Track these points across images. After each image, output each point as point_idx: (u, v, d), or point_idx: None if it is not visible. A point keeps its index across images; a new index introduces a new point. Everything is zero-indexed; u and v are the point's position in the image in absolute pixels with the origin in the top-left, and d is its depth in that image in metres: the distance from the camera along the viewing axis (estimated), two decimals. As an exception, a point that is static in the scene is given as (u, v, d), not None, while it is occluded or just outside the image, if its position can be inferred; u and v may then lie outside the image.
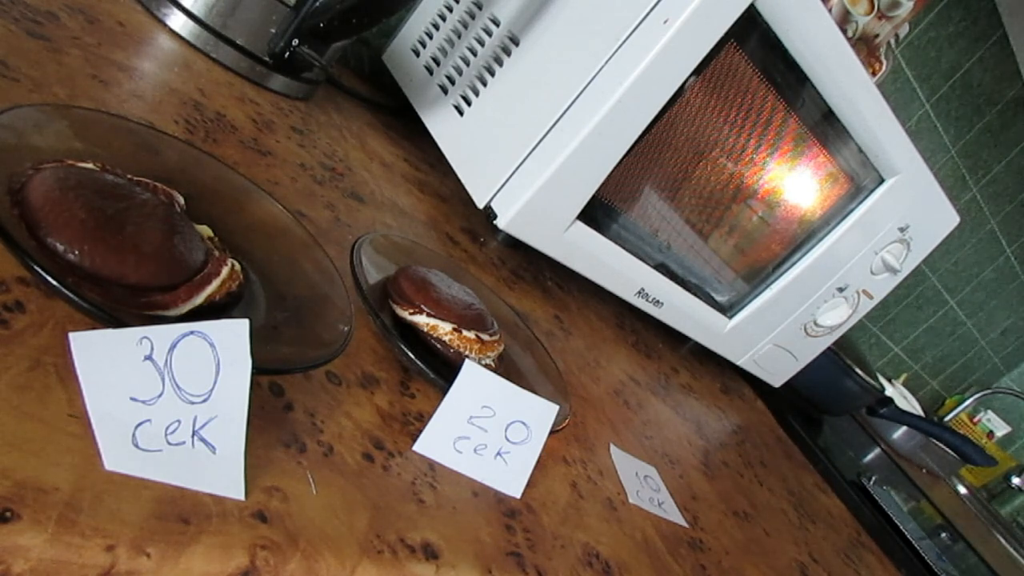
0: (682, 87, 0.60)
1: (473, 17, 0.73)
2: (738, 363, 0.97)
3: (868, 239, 0.88)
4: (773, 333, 0.94)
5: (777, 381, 1.04)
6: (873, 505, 1.01)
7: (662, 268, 0.79)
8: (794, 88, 0.68)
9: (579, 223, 0.67)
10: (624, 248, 0.73)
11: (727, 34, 0.59)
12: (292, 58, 0.64)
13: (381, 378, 0.43)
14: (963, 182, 1.62)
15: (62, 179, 0.33)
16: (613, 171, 0.63)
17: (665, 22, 0.56)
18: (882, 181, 0.83)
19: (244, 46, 0.63)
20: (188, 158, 0.42)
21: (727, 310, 0.90)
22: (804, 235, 0.86)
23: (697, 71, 0.60)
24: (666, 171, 0.70)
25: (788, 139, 0.74)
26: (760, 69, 0.65)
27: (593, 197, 0.64)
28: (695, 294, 0.84)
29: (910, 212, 0.88)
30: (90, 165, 0.35)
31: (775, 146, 0.74)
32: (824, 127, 0.74)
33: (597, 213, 0.68)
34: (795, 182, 0.80)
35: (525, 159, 0.62)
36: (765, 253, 0.87)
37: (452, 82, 0.73)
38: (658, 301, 0.80)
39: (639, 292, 0.77)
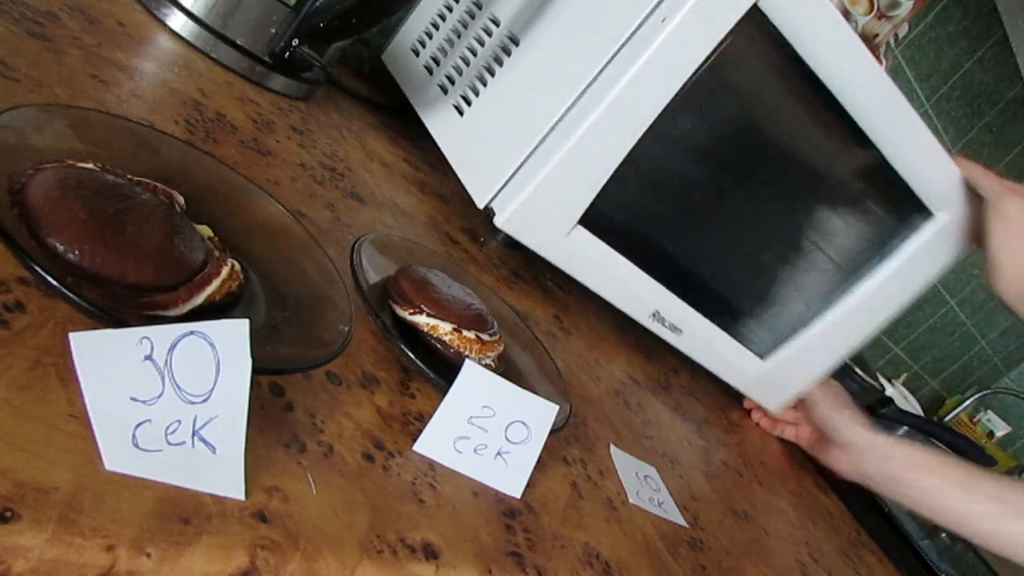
0: (685, 86, 0.60)
1: (473, 17, 0.73)
2: (770, 409, 0.91)
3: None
4: (814, 377, 0.86)
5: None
6: (873, 505, 1.01)
7: (677, 288, 0.73)
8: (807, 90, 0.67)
9: (580, 228, 0.65)
10: (632, 261, 0.70)
11: (727, 34, 0.59)
12: (292, 58, 0.64)
13: (381, 378, 0.43)
14: (963, 182, 1.61)
15: (62, 179, 0.33)
16: (612, 179, 0.61)
17: (663, 20, 0.56)
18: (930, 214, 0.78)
19: (244, 46, 0.63)
20: (188, 158, 0.42)
21: (762, 350, 0.82)
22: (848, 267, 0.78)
23: (698, 70, 0.60)
24: (672, 179, 0.68)
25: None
26: (772, 67, 0.64)
27: (596, 204, 0.63)
28: (723, 327, 0.77)
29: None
30: (90, 165, 0.35)
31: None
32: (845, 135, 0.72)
33: (601, 220, 0.66)
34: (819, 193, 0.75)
35: (526, 159, 0.61)
36: (807, 286, 0.79)
37: (452, 82, 0.73)
38: (676, 327, 0.74)
39: (654, 315, 0.72)
